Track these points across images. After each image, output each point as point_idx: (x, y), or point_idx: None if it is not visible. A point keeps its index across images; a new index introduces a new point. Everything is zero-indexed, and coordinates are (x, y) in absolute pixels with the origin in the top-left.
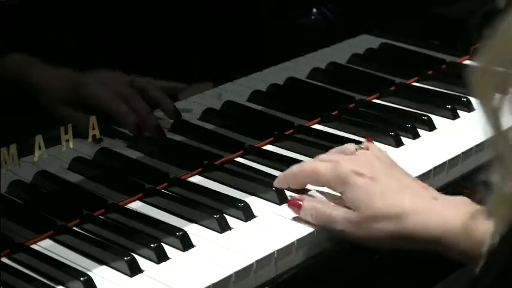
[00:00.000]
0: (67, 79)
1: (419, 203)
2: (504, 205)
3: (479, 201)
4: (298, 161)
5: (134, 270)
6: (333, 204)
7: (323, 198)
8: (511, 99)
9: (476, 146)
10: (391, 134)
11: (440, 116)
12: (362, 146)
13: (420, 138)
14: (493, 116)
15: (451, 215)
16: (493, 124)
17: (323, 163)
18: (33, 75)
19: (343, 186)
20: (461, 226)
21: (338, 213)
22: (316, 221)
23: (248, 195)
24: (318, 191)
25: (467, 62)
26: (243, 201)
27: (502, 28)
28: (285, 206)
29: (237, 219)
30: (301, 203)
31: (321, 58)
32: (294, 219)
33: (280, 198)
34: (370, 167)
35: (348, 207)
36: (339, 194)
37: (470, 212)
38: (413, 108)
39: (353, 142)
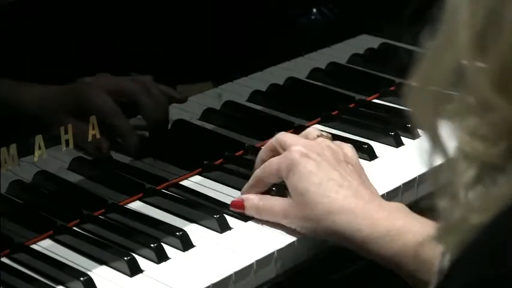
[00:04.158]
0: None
1: (354, 201)
2: (452, 233)
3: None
4: None
5: (134, 270)
6: (272, 196)
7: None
8: (448, 120)
9: None
10: (391, 134)
11: None
12: (324, 134)
13: (420, 138)
14: (435, 139)
15: (382, 219)
16: (437, 148)
17: (277, 157)
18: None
19: (287, 169)
20: (390, 230)
21: (277, 204)
22: (260, 217)
23: None
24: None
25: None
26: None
27: (431, 44)
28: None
29: (237, 219)
30: (244, 203)
31: (321, 58)
32: None
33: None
34: (320, 154)
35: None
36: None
37: (404, 218)
38: None
39: (353, 142)
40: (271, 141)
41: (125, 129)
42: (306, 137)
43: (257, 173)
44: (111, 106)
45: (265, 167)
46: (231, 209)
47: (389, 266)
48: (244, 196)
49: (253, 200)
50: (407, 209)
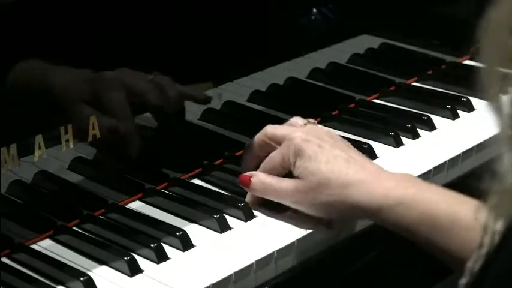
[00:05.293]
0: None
1: (363, 173)
2: (508, 198)
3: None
4: None
5: (134, 270)
6: (280, 178)
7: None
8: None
9: (477, 145)
10: (391, 134)
11: (440, 116)
12: (311, 121)
13: (420, 138)
14: (497, 110)
15: (394, 187)
16: (498, 117)
17: (276, 150)
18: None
19: (294, 155)
20: (403, 198)
21: (285, 183)
22: (266, 195)
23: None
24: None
25: (467, 62)
26: (243, 201)
27: (490, 26)
28: (283, 206)
29: (237, 219)
30: (251, 179)
31: (321, 58)
32: (294, 218)
33: None
34: (318, 137)
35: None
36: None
37: (416, 186)
38: (413, 108)
39: (353, 142)
40: (261, 138)
41: (129, 128)
42: (295, 125)
43: (260, 170)
44: (121, 102)
45: (267, 163)
46: (239, 183)
47: (407, 235)
48: (253, 172)
49: (260, 176)
50: (416, 178)
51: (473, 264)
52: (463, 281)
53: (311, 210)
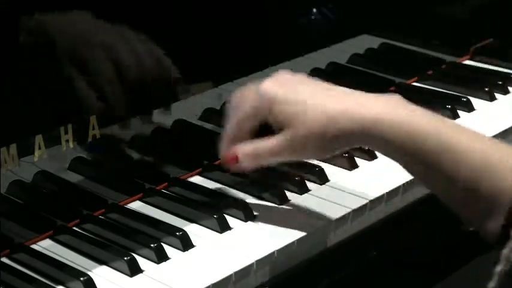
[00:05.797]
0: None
1: (347, 99)
2: None
3: None
4: (298, 161)
5: (134, 270)
6: (261, 138)
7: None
8: None
9: None
10: None
11: None
12: None
13: None
14: None
15: (381, 107)
16: None
17: (247, 99)
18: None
19: (268, 104)
20: (392, 119)
21: (275, 139)
22: (258, 162)
23: (248, 195)
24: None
25: (467, 62)
26: (243, 200)
27: None
28: (284, 206)
29: (237, 219)
30: (236, 154)
31: (321, 58)
32: (294, 219)
33: (279, 198)
34: (290, 80)
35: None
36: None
37: (405, 107)
38: None
39: None
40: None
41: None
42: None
43: (231, 128)
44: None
45: (239, 114)
46: (225, 164)
47: (397, 157)
48: (235, 148)
49: (245, 148)
50: (403, 99)
51: (510, 251)
52: (498, 268)
53: (305, 155)
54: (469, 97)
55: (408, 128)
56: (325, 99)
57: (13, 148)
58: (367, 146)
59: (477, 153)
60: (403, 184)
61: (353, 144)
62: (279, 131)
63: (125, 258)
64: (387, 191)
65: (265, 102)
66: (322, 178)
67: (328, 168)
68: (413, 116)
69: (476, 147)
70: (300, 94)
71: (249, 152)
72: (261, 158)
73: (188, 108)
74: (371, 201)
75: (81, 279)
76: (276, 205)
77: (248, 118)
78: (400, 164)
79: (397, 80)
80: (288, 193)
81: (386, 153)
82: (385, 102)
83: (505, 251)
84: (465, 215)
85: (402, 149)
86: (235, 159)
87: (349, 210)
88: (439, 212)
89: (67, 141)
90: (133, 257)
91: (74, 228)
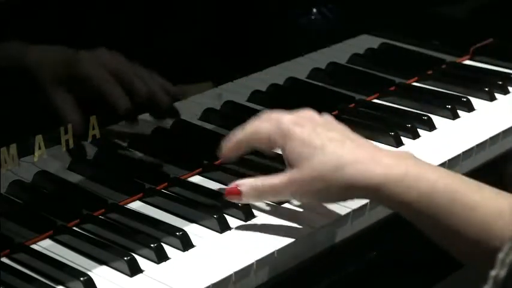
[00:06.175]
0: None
1: (360, 152)
2: None
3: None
4: None
5: (134, 270)
6: (267, 176)
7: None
8: None
9: (477, 145)
10: (391, 134)
11: (440, 116)
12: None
13: (420, 138)
14: None
15: (394, 165)
16: None
17: (264, 122)
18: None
19: (284, 138)
20: (404, 176)
21: (278, 178)
22: (260, 198)
23: None
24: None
25: (467, 62)
26: None
27: None
28: (284, 206)
29: (237, 219)
30: (239, 188)
31: (321, 58)
32: (293, 219)
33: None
34: (311, 120)
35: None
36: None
37: (416, 164)
38: (413, 108)
39: None
40: (242, 138)
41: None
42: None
43: (241, 136)
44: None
45: (253, 133)
46: (227, 198)
47: (405, 214)
48: (237, 182)
49: (248, 182)
50: (415, 156)
51: (505, 255)
52: (493, 272)
53: (310, 198)
54: (469, 97)
55: (418, 184)
56: (339, 146)
57: (13, 148)
58: (373, 201)
59: (488, 204)
60: None
61: (357, 197)
62: (288, 166)
63: (125, 258)
64: None
65: (282, 136)
66: None
67: None
68: (424, 173)
69: (485, 198)
70: (317, 137)
71: (252, 188)
72: (263, 195)
73: (188, 108)
74: (371, 201)
75: (81, 279)
76: (276, 205)
77: (260, 142)
78: (408, 218)
79: (397, 80)
80: None
81: (393, 208)
82: (396, 158)
83: (500, 255)
84: (472, 261)
85: (411, 204)
86: (238, 193)
87: (349, 210)
88: None
89: (67, 141)
90: (133, 257)
91: (74, 228)
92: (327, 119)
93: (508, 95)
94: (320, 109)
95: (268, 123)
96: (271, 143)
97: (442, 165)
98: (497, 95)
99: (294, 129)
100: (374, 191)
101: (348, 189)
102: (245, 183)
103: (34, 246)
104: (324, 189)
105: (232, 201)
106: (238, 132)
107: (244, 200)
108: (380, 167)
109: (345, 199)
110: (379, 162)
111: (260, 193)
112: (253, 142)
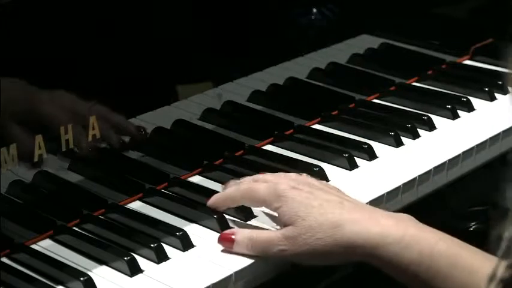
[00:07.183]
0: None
1: (358, 213)
2: None
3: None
4: (297, 161)
5: (134, 270)
6: (264, 229)
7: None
8: None
9: (477, 145)
10: (391, 134)
11: (440, 116)
12: (303, 174)
13: (420, 138)
14: None
15: (393, 225)
16: None
17: (260, 183)
18: None
19: (279, 201)
20: (402, 237)
21: (273, 233)
22: (252, 250)
23: None
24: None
25: (467, 62)
26: None
27: None
28: None
29: (236, 219)
30: (233, 237)
31: (321, 58)
32: None
33: None
34: (308, 184)
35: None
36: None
37: (415, 226)
38: (413, 108)
39: (353, 142)
40: (237, 195)
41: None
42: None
43: (234, 194)
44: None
45: (249, 193)
46: (220, 243)
47: (403, 276)
48: (233, 230)
49: (244, 232)
50: (414, 219)
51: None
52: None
53: (302, 258)
54: (469, 97)
55: (419, 245)
56: (337, 207)
57: (13, 148)
58: (369, 263)
59: (484, 269)
60: (403, 184)
61: (355, 258)
62: (282, 225)
63: (125, 258)
64: (387, 191)
65: (278, 199)
66: (322, 178)
67: (328, 168)
68: (424, 234)
69: (481, 261)
70: (315, 199)
71: (247, 238)
72: (255, 248)
73: (188, 108)
74: (371, 201)
75: (81, 279)
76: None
77: (253, 202)
78: (403, 281)
79: (397, 80)
80: None
81: (390, 270)
82: (395, 219)
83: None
84: None
85: (410, 265)
86: (231, 241)
87: None
88: (439, 212)
89: (67, 141)
90: (133, 257)
91: (74, 228)
92: (323, 182)
93: (508, 95)
94: (320, 109)
95: (264, 186)
96: (265, 204)
97: (442, 165)
98: (497, 95)
99: (292, 191)
100: (372, 250)
101: (346, 248)
102: (240, 233)
103: (34, 246)
104: (318, 247)
105: (224, 247)
106: (233, 188)
107: (235, 249)
108: (378, 227)
109: (343, 260)
110: (377, 222)
111: (253, 245)
112: (246, 201)
